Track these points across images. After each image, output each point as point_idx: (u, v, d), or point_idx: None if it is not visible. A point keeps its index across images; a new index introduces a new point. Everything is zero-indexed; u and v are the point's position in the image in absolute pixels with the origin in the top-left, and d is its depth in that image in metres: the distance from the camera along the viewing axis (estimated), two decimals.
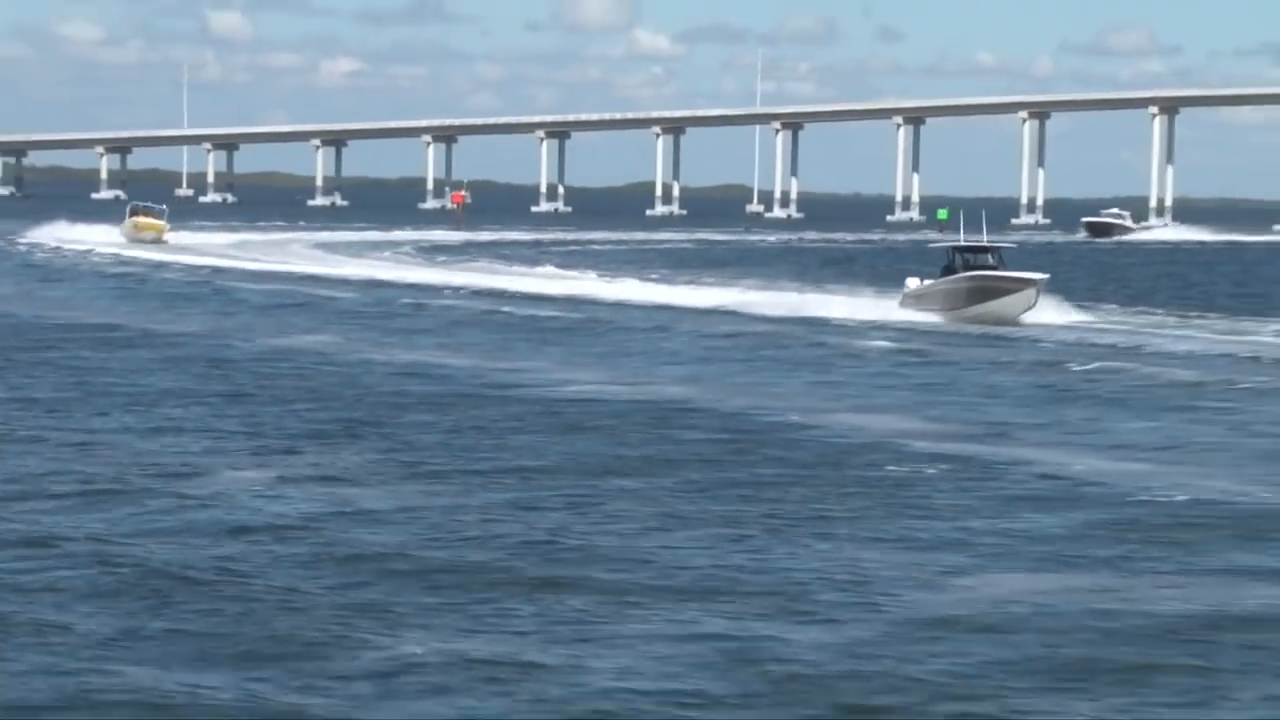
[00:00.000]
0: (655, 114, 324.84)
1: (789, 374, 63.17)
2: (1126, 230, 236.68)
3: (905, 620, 26.49)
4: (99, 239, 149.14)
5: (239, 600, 26.93)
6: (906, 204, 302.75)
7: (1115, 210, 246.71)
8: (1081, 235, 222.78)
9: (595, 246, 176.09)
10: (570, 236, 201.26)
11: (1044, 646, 25.26)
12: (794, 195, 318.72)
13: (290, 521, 32.89)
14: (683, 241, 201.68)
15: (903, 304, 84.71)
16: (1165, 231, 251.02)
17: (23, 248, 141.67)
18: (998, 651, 24.90)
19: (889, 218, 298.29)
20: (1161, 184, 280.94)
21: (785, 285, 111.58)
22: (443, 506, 34.95)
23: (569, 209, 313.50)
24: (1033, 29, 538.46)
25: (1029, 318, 77.48)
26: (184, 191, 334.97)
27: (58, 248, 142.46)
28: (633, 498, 36.48)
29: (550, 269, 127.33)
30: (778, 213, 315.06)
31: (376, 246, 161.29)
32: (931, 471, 40.75)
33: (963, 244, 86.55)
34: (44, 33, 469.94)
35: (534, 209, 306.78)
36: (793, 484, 38.55)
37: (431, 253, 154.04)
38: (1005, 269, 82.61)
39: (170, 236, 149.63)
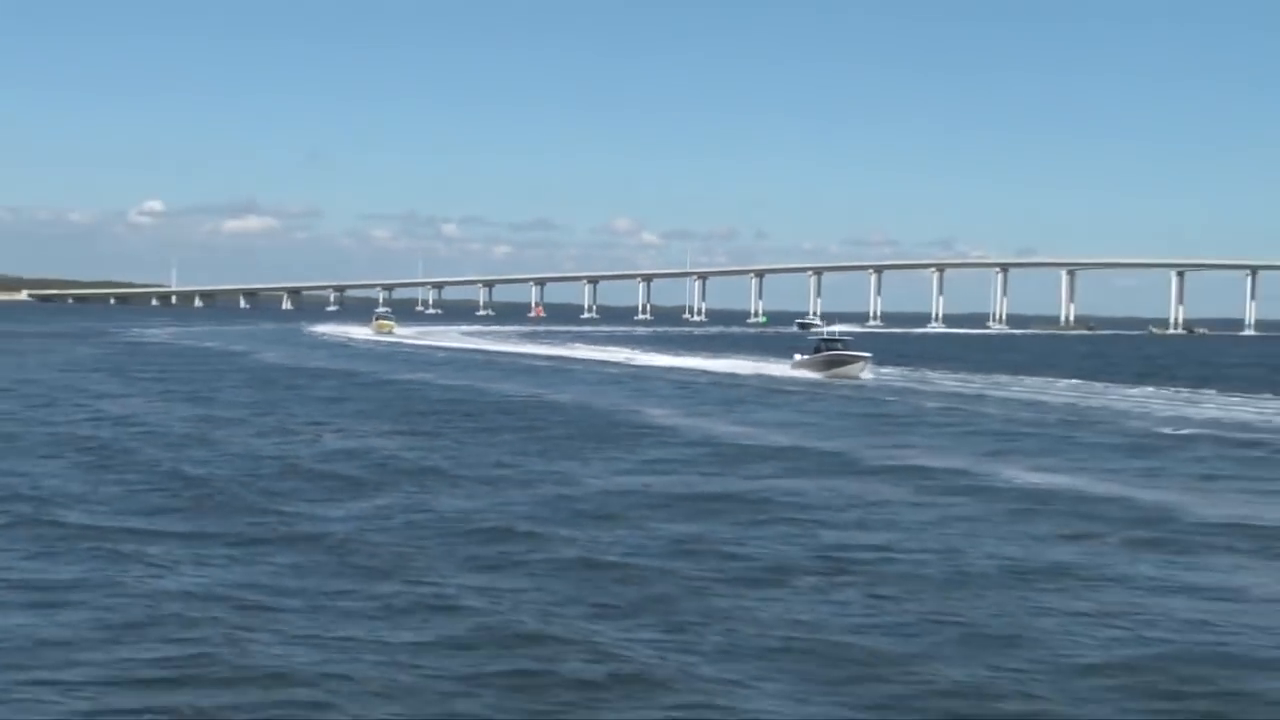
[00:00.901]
0: (640, 271, 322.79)
1: (623, 388, 60.56)
2: (818, 327, 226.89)
3: (560, 495, 26.59)
4: (356, 331, 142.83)
5: (253, 490, 27.07)
6: (756, 313, 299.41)
7: (811, 317, 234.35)
8: (795, 329, 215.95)
9: (600, 333, 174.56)
10: (591, 330, 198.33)
11: (609, 503, 25.26)
12: (704, 309, 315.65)
13: (322, 456, 32.29)
14: (643, 332, 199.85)
15: (793, 367, 76.23)
16: (844, 327, 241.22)
17: (316, 333, 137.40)
18: (586, 507, 25.03)
19: (747, 320, 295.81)
20: (875, 305, 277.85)
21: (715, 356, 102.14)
22: (393, 447, 34.23)
23: (599, 316, 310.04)
24: (827, 234, 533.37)
25: (864, 376, 70.82)
26: (419, 309, 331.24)
27: (328, 334, 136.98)
28: (493, 444, 35.46)
29: (576, 345, 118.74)
30: (695, 318, 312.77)
31: (491, 334, 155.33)
32: (644, 432, 39.84)
33: (825, 337, 79.14)
34: (362, 234, 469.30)
35: (581, 317, 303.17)
36: (578, 437, 37.83)
37: (518, 336, 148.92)
38: (850, 350, 74.80)
39: (397, 330, 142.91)
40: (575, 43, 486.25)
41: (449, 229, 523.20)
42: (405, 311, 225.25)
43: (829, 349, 75.54)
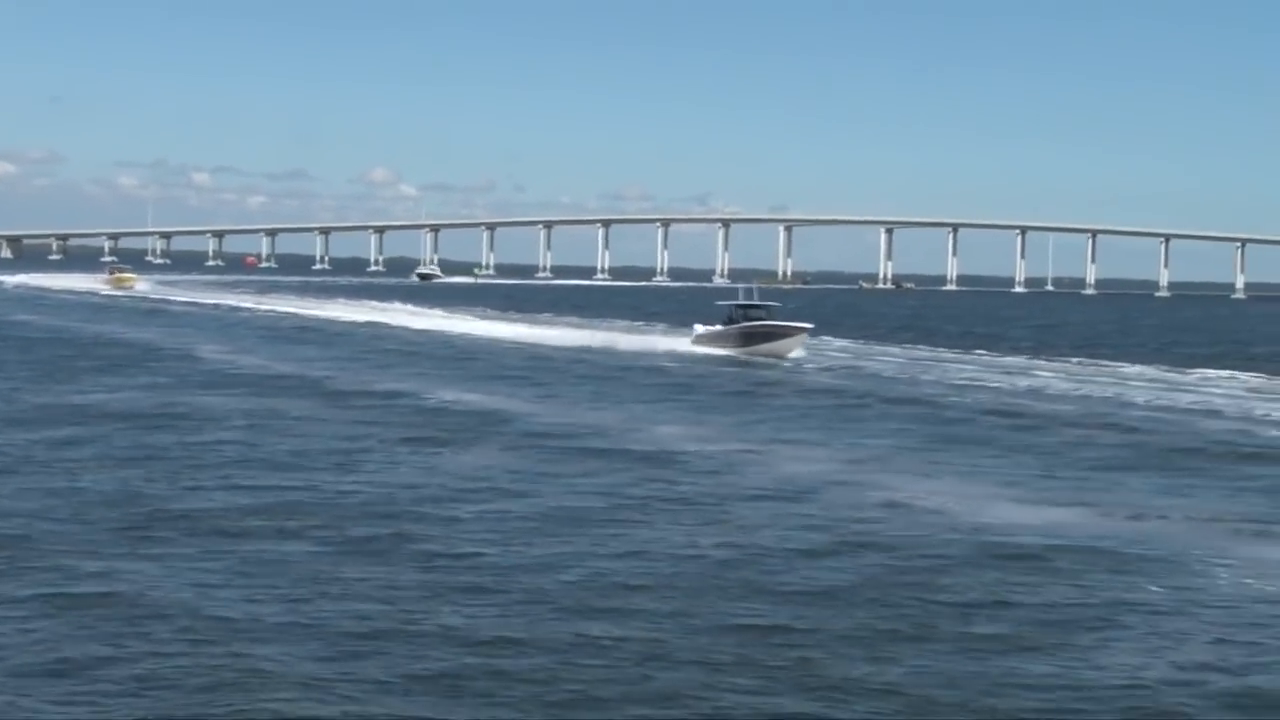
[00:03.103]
0: (373, 223, 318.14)
1: (219, 325, 62.37)
2: (439, 277, 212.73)
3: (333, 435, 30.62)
4: (86, 284, 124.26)
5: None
6: (485, 266, 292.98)
7: (430, 266, 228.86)
8: (415, 280, 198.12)
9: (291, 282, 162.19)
10: (308, 280, 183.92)
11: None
12: (437, 261, 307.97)
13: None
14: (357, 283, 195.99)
15: (695, 342, 58.50)
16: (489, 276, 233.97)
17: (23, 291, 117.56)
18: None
19: (474, 271, 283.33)
20: (602, 259, 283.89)
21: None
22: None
23: (330, 267, 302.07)
24: (585, 189, 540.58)
25: (796, 355, 54.81)
26: (149, 259, 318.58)
27: (49, 287, 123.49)
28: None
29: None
30: (429, 269, 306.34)
31: (204, 284, 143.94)
32: (166, 362, 42.63)
33: (742, 303, 59.93)
34: (108, 182, 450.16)
35: (313, 268, 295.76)
36: (103, 365, 40.23)
37: (228, 285, 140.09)
38: (775, 320, 57.69)
39: (139, 285, 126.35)
40: None
41: (201, 178, 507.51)
42: (133, 261, 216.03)
43: (748, 318, 58.09)
